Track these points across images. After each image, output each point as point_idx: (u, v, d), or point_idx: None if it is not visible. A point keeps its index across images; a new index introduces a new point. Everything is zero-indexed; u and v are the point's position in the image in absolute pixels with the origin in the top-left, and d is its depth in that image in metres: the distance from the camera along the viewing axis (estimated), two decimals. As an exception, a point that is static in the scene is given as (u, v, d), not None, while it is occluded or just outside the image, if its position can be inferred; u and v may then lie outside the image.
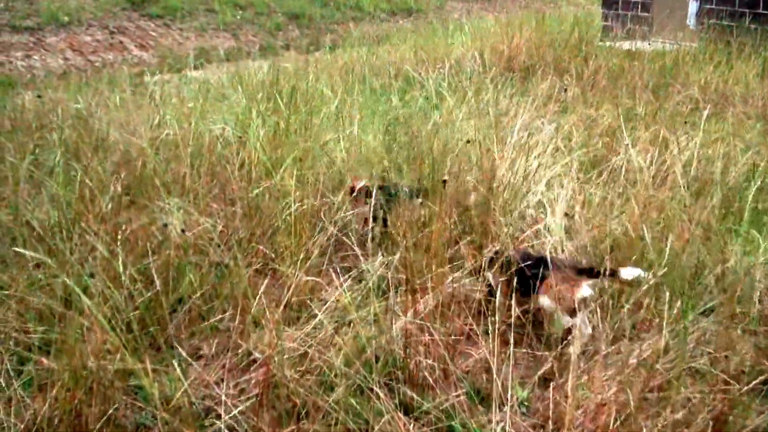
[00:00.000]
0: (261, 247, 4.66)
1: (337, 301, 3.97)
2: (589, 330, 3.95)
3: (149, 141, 6.17)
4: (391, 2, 22.01)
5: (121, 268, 3.99)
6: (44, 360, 3.66)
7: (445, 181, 4.56)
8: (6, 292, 4.36)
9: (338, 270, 4.49)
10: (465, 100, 7.57)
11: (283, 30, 18.60)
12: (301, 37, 18.45)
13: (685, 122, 7.15)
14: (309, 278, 4.28)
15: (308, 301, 4.19)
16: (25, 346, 3.97)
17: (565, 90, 8.06)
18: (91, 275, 4.30)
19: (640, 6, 15.62)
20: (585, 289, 3.92)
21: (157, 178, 5.66)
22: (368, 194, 5.28)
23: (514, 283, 3.93)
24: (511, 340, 3.63)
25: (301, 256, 4.35)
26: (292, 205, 4.66)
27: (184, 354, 3.80)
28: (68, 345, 3.55)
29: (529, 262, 4.04)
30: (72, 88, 12.24)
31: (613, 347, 3.68)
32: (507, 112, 7.27)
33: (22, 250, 4.50)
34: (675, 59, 11.19)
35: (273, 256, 4.59)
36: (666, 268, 3.97)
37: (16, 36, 14.62)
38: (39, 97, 8.21)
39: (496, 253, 4.30)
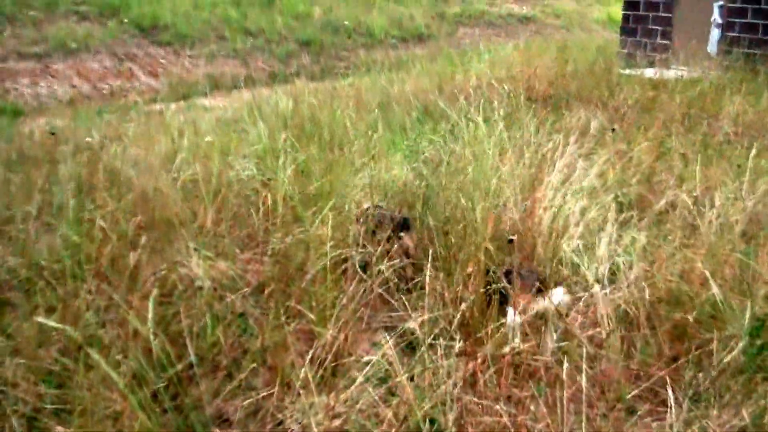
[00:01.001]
0: (294, 304, 4.20)
1: (380, 361, 3.56)
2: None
3: (167, 180, 5.81)
4: (402, 29, 21.71)
5: (137, 321, 3.60)
6: (58, 428, 3.28)
7: (511, 240, 4.10)
8: (15, 342, 4.00)
9: (379, 325, 4.09)
10: (497, 134, 7.20)
11: (294, 57, 18.29)
12: (312, 64, 18.13)
13: (730, 160, 6.76)
14: (347, 335, 3.87)
15: (347, 362, 3.78)
16: (36, 409, 3.58)
17: (613, 129, 7.59)
18: (103, 325, 3.95)
19: (660, 33, 15.33)
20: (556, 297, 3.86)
21: (175, 220, 5.31)
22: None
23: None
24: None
25: (337, 311, 3.93)
26: (327, 254, 4.24)
27: (207, 417, 3.42)
28: (82, 407, 3.18)
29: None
30: (81, 117, 11.92)
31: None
32: (540, 148, 6.90)
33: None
34: (702, 89, 10.82)
35: (306, 310, 4.15)
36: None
37: (23, 62, 14.31)
38: (52, 134, 7.80)
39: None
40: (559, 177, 5.68)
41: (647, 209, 5.59)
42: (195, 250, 4.66)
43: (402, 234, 5.03)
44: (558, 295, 3.85)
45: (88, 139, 7.60)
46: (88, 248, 4.85)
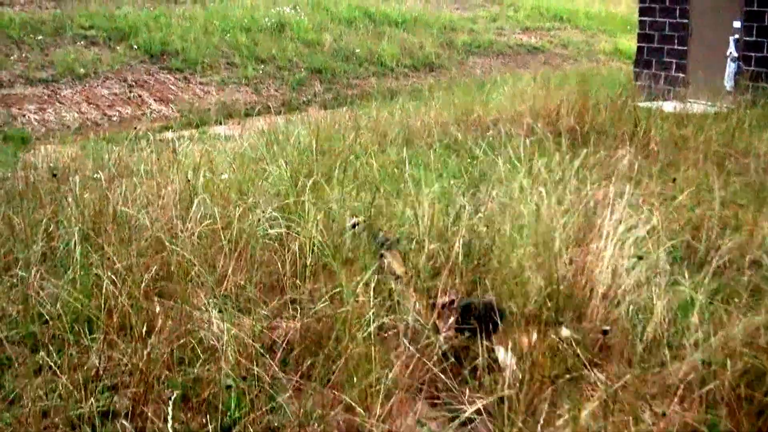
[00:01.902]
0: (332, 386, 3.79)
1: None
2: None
3: (182, 226, 5.44)
4: (413, 57, 21.46)
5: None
6: None
7: (606, 331, 3.72)
8: (19, 409, 3.64)
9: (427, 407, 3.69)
10: (530, 175, 6.85)
11: (306, 85, 18.01)
12: (324, 92, 17.85)
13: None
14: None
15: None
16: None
17: (674, 180, 7.18)
18: (113, 388, 3.60)
19: (674, 66, 15.06)
20: None
21: (192, 271, 4.93)
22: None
23: None
24: None
25: (382, 396, 3.53)
26: (369, 321, 3.84)
27: None
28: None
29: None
30: (90, 146, 11.58)
31: None
32: (581, 190, 6.55)
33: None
34: (729, 125, 10.50)
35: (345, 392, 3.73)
36: None
37: (30, 88, 14.00)
38: (54, 176, 7.42)
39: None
40: (607, 224, 5.34)
41: (703, 263, 5.20)
42: (217, 310, 4.31)
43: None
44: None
45: (96, 174, 7.21)
46: (97, 300, 4.50)
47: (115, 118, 14.03)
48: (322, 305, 4.32)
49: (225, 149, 10.60)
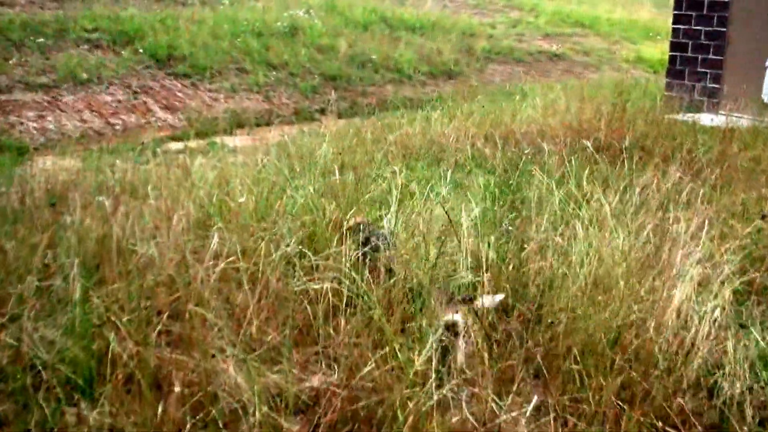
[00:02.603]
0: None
1: None
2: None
3: (194, 260, 4.65)
4: (431, 64, 20.61)
5: None
6: None
7: None
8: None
9: None
10: (583, 204, 6.00)
11: (319, 92, 17.17)
12: (339, 100, 17.01)
13: None
14: None
15: None
16: None
17: (764, 217, 6.35)
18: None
19: (710, 77, 14.26)
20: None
21: (208, 314, 4.17)
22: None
23: None
24: None
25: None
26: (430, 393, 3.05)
27: None
28: None
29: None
30: (92, 158, 10.80)
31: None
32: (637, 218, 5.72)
33: None
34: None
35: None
36: None
37: (29, 94, 13.19)
38: (53, 205, 6.63)
39: None
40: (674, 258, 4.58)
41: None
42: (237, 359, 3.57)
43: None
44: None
45: (99, 198, 6.43)
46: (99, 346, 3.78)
47: (118, 127, 13.21)
48: (369, 368, 3.58)
49: (238, 164, 9.86)
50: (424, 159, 9.70)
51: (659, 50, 27.35)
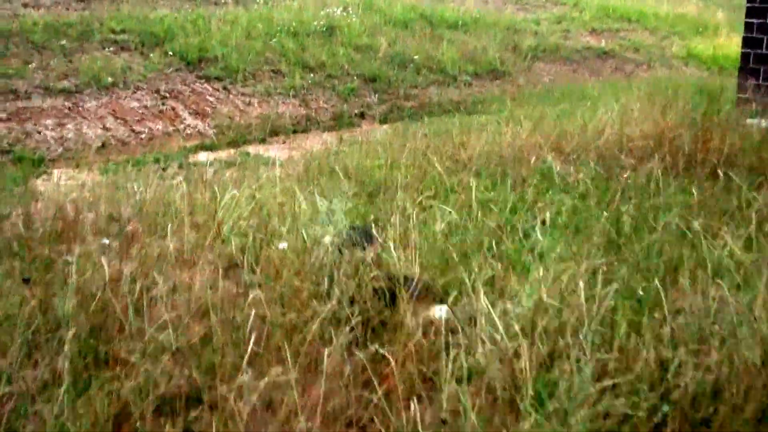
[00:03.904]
0: None
1: None
2: None
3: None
4: (476, 63, 19.47)
5: None
6: None
7: None
8: None
9: None
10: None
11: (358, 95, 16.12)
12: (379, 103, 15.95)
13: None
14: None
15: None
16: None
17: None
18: None
19: (790, 76, 13.00)
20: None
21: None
22: None
23: None
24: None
25: None
26: None
27: None
28: None
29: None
30: (111, 171, 9.85)
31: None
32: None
33: None
34: None
35: None
36: None
37: (49, 100, 12.27)
38: (26, 281, 5.55)
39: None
40: None
41: None
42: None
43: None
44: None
45: (105, 240, 5.44)
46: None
47: (143, 135, 12.25)
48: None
49: (275, 180, 8.86)
50: (487, 176, 8.61)
51: (710, 46, 26.21)
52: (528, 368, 3.35)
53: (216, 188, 7.23)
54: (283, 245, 5.04)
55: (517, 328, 3.58)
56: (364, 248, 5.04)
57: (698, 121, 9.72)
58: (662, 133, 9.50)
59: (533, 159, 9.10)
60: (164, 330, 3.95)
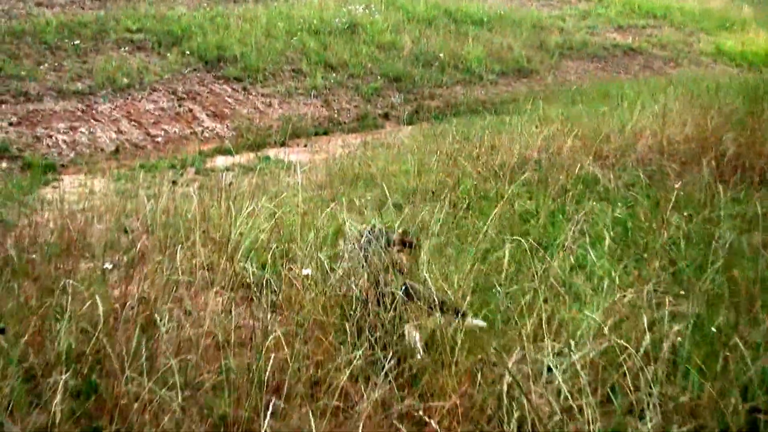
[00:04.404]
0: None
1: None
2: None
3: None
4: (502, 61, 18.87)
5: None
6: None
7: None
8: None
9: None
10: None
11: (382, 95, 15.56)
12: (403, 103, 15.39)
13: None
14: None
15: None
16: None
17: None
18: None
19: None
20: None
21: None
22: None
23: None
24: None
25: None
26: None
27: None
28: None
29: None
30: (123, 178, 9.36)
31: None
32: None
33: None
34: None
35: None
36: None
37: (62, 102, 11.80)
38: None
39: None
40: None
41: None
42: None
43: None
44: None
45: (107, 265, 4.93)
46: None
47: (159, 139, 11.75)
48: None
49: (296, 187, 8.34)
50: (523, 183, 8.04)
51: (738, 42, 25.53)
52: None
53: (233, 199, 6.74)
54: (306, 271, 4.50)
55: (583, 379, 3.02)
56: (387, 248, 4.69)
57: (744, 122, 9.15)
58: (706, 136, 8.92)
59: (570, 163, 8.56)
60: (171, 370, 3.44)
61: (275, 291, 4.66)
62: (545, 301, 4.05)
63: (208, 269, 5.39)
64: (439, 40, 18.71)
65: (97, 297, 4.27)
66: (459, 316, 3.85)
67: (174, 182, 7.16)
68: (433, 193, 7.42)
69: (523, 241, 4.85)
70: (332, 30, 17.37)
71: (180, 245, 5.98)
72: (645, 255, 5.10)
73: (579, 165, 8.17)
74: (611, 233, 5.74)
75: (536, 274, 4.48)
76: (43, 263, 5.74)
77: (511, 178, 8.17)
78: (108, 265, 4.77)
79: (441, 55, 17.79)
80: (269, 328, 4.05)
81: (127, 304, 4.32)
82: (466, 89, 16.84)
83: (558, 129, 10.04)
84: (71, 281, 4.72)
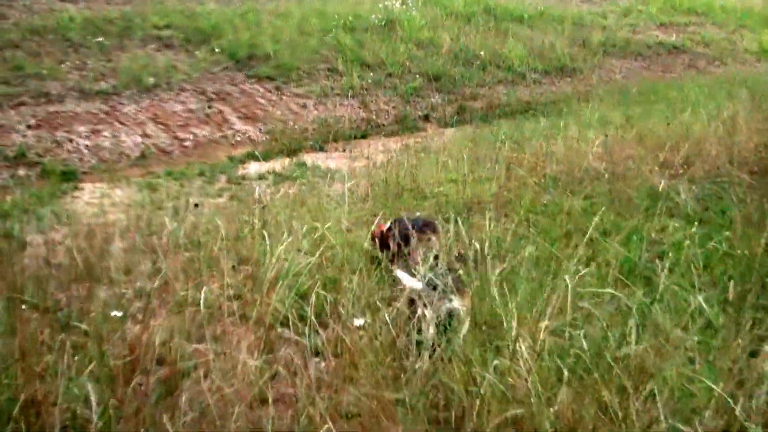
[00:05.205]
0: None
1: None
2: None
3: None
4: (544, 59, 17.98)
5: None
6: None
7: None
8: None
9: None
10: None
11: (421, 95, 14.73)
12: (444, 104, 14.57)
13: None
14: None
15: None
16: None
17: None
18: None
19: None
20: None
21: None
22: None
23: None
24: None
25: None
26: None
27: None
28: None
29: None
30: (144, 187, 8.65)
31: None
32: None
33: None
34: None
35: None
36: None
37: (84, 104, 11.06)
38: None
39: None
40: None
41: None
42: None
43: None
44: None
45: (115, 313, 4.20)
46: None
47: (187, 143, 10.99)
48: None
49: (333, 191, 7.63)
50: (584, 195, 7.27)
51: (783, 40, 24.73)
52: None
53: (268, 215, 6.01)
54: (359, 321, 3.76)
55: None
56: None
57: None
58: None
59: (634, 173, 7.79)
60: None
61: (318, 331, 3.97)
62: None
63: (237, 298, 4.68)
64: (478, 37, 17.86)
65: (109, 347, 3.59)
66: None
67: (197, 205, 6.41)
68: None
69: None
70: (368, 26, 16.57)
71: (208, 267, 5.29)
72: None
73: (643, 175, 7.45)
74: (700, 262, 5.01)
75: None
76: (60, 289, 5.11)
77: (572, 190, 7.45)
78: (117, 313, 4.02)
79: (481, 53, 16.94)
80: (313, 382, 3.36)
81: (146, 356, 3.61)
82: (509, 89, 16.00)
83: (615, 134, 9.26)
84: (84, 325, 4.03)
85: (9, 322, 4.18)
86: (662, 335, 3.74)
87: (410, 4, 18.63)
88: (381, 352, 3.68)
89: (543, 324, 3.70)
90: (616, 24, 23.20)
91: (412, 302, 3.95)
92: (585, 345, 3.64)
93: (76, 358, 3.76)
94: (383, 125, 13.21)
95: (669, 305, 4.29)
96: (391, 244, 5.21)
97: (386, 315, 3.81)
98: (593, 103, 13.87)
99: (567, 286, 3.92)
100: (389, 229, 5.44)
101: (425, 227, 5.29)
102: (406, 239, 5.06)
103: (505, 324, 3.83)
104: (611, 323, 3.93)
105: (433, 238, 5.01)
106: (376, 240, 5.57)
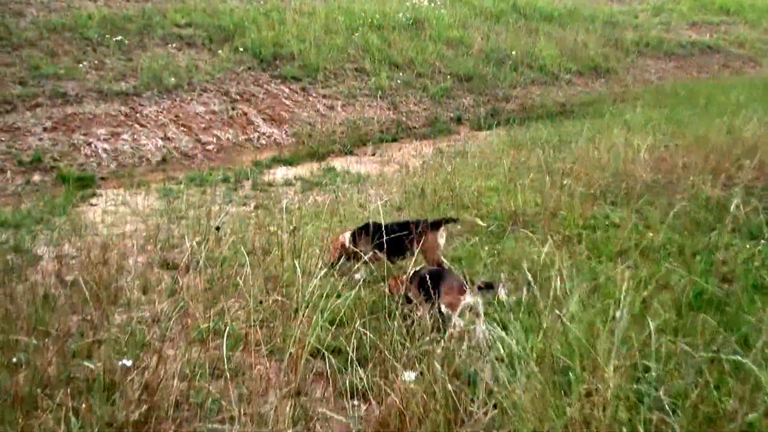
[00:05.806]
0: None
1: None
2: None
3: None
4: (576, 59, 17.41)
5: None
6: None
7: None
8: None
9: None
10: None
11: (451, 96, 14.17)
12: (476, 105, 14.00)
13: None
14: None
15: None
16: None
17: None
18: None
19: None
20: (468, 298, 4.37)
21: None
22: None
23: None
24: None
25: None
26: None
27: None
28: None
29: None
30: (166, 195, 8.13)
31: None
32: None
33: None
34: None
35: None
36: None
37: (103, 105, 10.56)
38: None
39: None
40: None
41: None
42: None
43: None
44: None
45: (125, 362, 3.65)
46: None
47: (210, 147, 10.48)
48: None
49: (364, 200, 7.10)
50: (635, 208, 6.70)
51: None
52: None
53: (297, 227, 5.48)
54: (410, 376, 3.23)
55: None
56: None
57: None
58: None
59: (687, 183, 7.22)
60: None
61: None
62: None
63: (263, 325, 4.16)
64: (509, 36, 17.36)
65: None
66: None
67: (218, 228, 5.88)
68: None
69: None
70: (396, 25, 16.05)
71: (234, 287, 4.78)
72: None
73: (697, 185, 6.89)
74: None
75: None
76: (72, 311, 4.60)
77: (623, 201, 6.89)
78: (127, 363, 3.48)
79: (513, 53, 16.39)
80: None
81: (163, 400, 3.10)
82: (542, 90, 15.46)
83: (663, 139, 8.68)
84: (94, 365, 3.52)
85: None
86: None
87: (438, 2, 18.11)
88: (435, 402, 3.15)
89: (611, 365, 3.12)
90: (648, 23, 22.68)
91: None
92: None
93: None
94: (414, 128, 12.67)
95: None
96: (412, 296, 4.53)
97: (437, 364, 3.27)
98: (631, 104, 13.29)
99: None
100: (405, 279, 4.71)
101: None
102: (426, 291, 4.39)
103: (572, 364, 3.28)
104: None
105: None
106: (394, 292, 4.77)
